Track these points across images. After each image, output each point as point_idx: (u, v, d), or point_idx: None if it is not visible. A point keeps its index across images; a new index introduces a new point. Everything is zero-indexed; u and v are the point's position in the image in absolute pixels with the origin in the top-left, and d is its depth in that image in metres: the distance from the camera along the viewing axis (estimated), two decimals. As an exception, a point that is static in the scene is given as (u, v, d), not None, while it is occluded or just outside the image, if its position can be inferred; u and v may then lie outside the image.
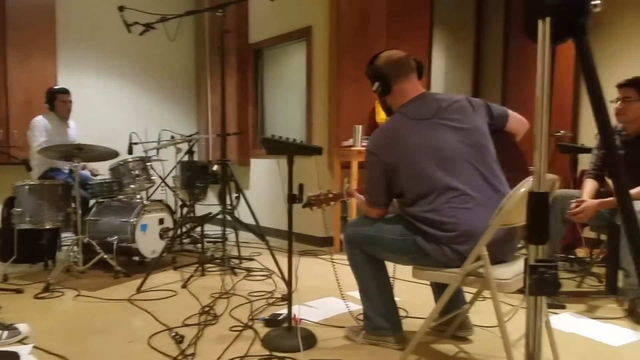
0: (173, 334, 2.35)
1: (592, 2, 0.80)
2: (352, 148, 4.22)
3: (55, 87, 4.22)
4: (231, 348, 2.21)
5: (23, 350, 2.11)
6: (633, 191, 2.64)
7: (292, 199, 2.19)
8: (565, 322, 2.52)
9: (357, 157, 4.15)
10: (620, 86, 2.83)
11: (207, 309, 2.74)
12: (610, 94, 2.87)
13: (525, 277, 0.86)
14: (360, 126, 4.24)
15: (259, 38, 5.39)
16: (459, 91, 5.50)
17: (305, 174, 4.68)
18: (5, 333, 2.28)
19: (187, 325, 2.51)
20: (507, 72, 5.26)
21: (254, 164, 5.58)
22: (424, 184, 1.95)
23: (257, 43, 5.44)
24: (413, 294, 2.97)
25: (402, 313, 2.63)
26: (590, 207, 2.70)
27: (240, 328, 2.45)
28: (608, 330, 2.40)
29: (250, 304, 2.84)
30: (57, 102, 4.13)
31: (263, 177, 5.44)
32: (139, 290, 3.15)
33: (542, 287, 0.83)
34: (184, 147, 4.46)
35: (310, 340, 2.24)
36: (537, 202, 0.84)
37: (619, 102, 2.81)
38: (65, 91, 4.17)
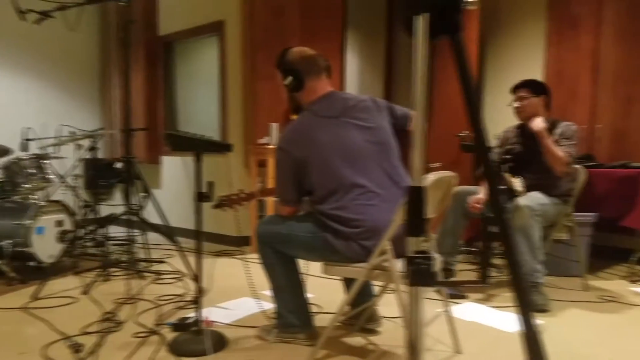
0: (70, 343, 2.20)
1: (466, 0, 0.85)
2: (268, 146, 4.20)
3: None
4: (135, 355, 2.11)
5: None
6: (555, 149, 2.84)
7: (200, 197, 2.13)
8: (466, 311, 2.68)
9: (273, 155, 4.12)
10: (516, 88, 3.06)
11: (109, 315, 2.60)
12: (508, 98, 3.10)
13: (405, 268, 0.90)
14: (276, 124, 4.22)
15: (169, 30, 5.19)
16: (372, 92, 5.65)
17: (219, 172, 4.59)
18: None
19: (87, 333, 2.36)
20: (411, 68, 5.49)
21: (164, 161, 5.38)
22: (332, 181, 1.99)
23: (167, 35, 5.23)
24: (327, 290, 3.01)
25: (315, 309, 2.67)
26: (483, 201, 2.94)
27: (145, 334, 2.34)
28: (505, 318, 2.58)
29: (158, 309, 2.73)
30: None
31: (175, 176, 5.26)
32: (34, 298, 2.92)
33: (419, 278, 0.88)
34: (86, 143, 4.19)
35: (220, 343, 2.20)
36: (414, 196, 0.88)
37: (517, 102, 3.04)
38: None
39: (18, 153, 3.71)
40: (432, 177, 1.85)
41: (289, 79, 2.11)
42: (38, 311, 2.70)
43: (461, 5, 0.83)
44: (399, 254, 1.93)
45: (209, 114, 4.94)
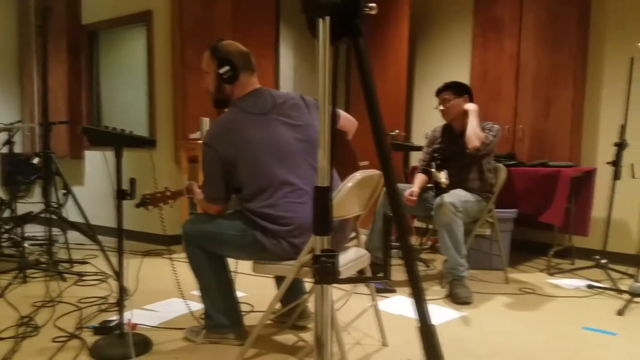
0: (-19, 351, 2.06)
1: (367, 5, 0.86)
2: (200, 141, 4.10)
3: None
4: (53, 361, 2.00)
5: None
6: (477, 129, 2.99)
7: (120, 195, 2.03)
8: (395, 305, 2.76)
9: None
10: (439, 91, 3.18)
11: (26, 319, 2.45)
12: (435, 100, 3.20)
13: (312, 267, 0.92)
14: (207, 119, 4.12)
15: (94, 19, 4.93)
16: (305, 88, 5.67)
17: (149, 168, 4.44)
18: None
19: (1, 338, 2.22)
20: (351, 71, 5.56)
21: (88, 157, 5.12)
22: (262, 179, 1.97)
23: (91, 25, 4.97)
24: (259, 288, 2.99)
25: (247, 308, 2.65)
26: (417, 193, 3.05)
27: (64, 338, 2.23)
28: (431, 311, 2.67)
29: (79, 312, 2.61)
30: None
31: (98, 172, 5.02)
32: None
33: (324, 275, 0.89)
34: (3, 137, 3.91)
35: (144, 346, 2.12)
36: (321, 196, 0.89)
37: (441, 105, 3.16)
38: None
39: None
40: (359, 175, 1.88)
41: (226, 68, 2.05)
42: (-56, 318, 2.50)
43: (362, 10, 0.85)
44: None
45: (137, 108, 4.75)
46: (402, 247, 0.90)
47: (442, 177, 3.04)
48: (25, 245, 3.70)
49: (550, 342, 2.26)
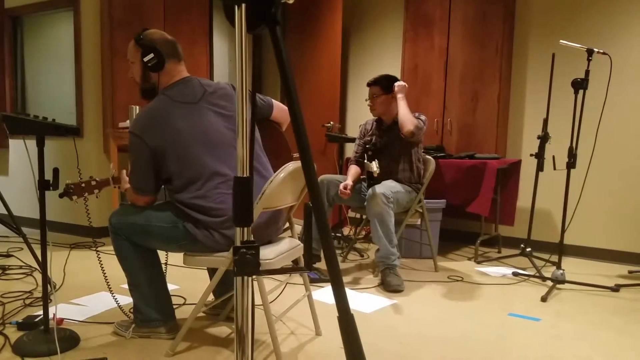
0: None
1: None
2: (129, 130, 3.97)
3: None
4: (-30, 361, 1.91)
5: None
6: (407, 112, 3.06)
7: (43, 185, 1.95)
8: (329, 295, 2.82)
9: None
10: (368, 85, 3.24)
11: (-60, 318, 2.31)
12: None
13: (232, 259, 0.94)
14: (137, 107, 4.00)
15: (17, 3, 4.65)
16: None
17: (76, 157, 4.26)
18: None
19: None
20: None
21: (13, 146, 4.84)
22: (193, 170, 1.94)
23: (14, 9, 4.68)
24: (192, 281, 2.97)
25: (179, 301, 2.62)
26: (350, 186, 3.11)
27: (-16, 336, 2.13)
28: (364, 299, 2.75)
29: (2, 307, 2.48)
30: None
31: (23, 161, 4.77)
32: None
33: (244, 267, 0.91)
34: None
35: (70, 342, 2.06)
36: (241, 187, 0.91)
37: (369, 100, 3.23)
38: None
39: None
40: (291, 166, 1.90)
41: (150, 56, 2.01)
42: None
43: None
44: (262, 241, 1.97)
45: (64, 95, 4.54)
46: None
47: (374, 166, 3.12)
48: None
49: (477, 328, 2.38)
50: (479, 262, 3.70)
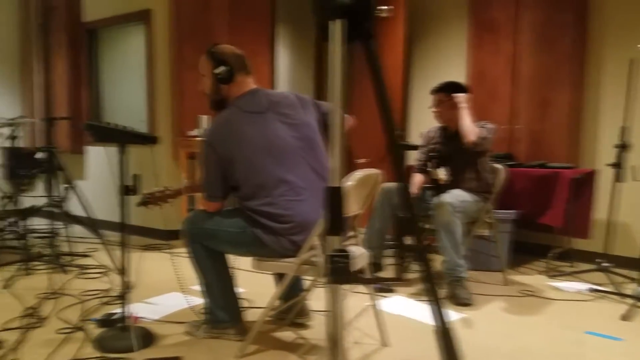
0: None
1: (379, 8, 0.89)
2: (198, 138, 4.13)
3: None
4: (58, 352, 2.04)
5: None
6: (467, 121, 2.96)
7: (125, 191, 2.07)
8: (393, 305, 2.78)
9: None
10: (432, 92, 3.18)
11: (31, 310, 2.49)
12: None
13: (325, 266, 0.94)
14: (205, 116, 4.15)
15: (94, 17, 4.96)
16: (302, 87, 5.68)
17: (148, 164, 4.46)
18: None
19: (7, 329, 2.26)
20: (348, 70, 5.56)
21: (89, 152, 5.16)
22: (259, 177, 2.00)
23: (91, 22, 4.99)
24: (257, 285, 3.03)
25: (246, 304, 2.68)
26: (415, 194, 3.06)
27: (68, 330, 2.27)
28: (430, 311, 2.68)
29: (82, 304, 2.64)
30: None
31: (100, 167, 5.06)
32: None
33: (337, 275, 0.92)
34: (5, 131, 3.95)
35: (146, 339, 2.16)
36: (333, 196, 0.92)
37: (434, 107, 3.16)
38: None
39: None
40: (359, 174, 1.91)
41: (222, 68, 2.09)
42: (-50, 308, 2.55)
43: (373, 13, 0.87)
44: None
45: (136, 105, 4.78)
46: (416, 249, 0.93)
47: (442, 174, 3.05)
48: (29, 238, 3.74)
49: (551, 346, 2.28)
50: (551, 277, 3.54)
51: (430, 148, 3.28)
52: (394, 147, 0.87)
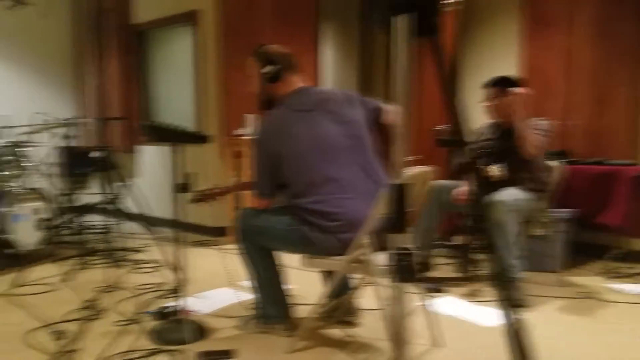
0: (52, 330, 2.20)
1: (443, 3, 0.87)
2: (244, 137, 4.18)
3: None
4: (116, 343, 2.11)
5: None
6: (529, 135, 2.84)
7: (178, 188, 2.13)
8: (445, 305, 2.72)
9: (248, 147, 4.10)
10: (486, 86, 3.09)
11: (89, 303, 2.59)
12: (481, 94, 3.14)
13: (388, 265, 0.92)
14: (251, 115, 4.20)
15: (143, 19, 5.10)
16: (347, 85, 5.65)
17: (195, 163, 4.56)
18: None
19: (68, 320, 2.36)
20: (392, 67, 5.50)
21: (140, 151, 5.32)
22: (308, 175, 2.01)
23: (140, 24, 5.14)
24: (304, 282, 3.03)
25: (292, 301, 2.69)
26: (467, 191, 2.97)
27: (125, 322, 2.35)
28: (483, 312, 2.62)
29: (136, 298, 2.73)
30: None
31: (150, 165, 5.20)
32: (14, 285, 2.90)
33: (402, 273, 0.90)
34: (61, 131, 4.13)
35: (199, 332, 2.21)
36: (396, 194, 0.90)
37: (487, 101, 3.07)
38: None
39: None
40: (409, 171, 1.87)
41: (270, 67, 2.10)
42: (17, 298, 2.69)
43: (439, 8, 0.85)
44: (377, 247, 1.96)
45: (184, 104, 4.89)
46: (489, 252, 0.90)
47: (495, 170, 2.96)
48: (85, 233, 3.90)
49: (607, 350, 2.18)
50: (609, 278, 3.38)
51: (481, 144, 3.19)
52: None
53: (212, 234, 4.49)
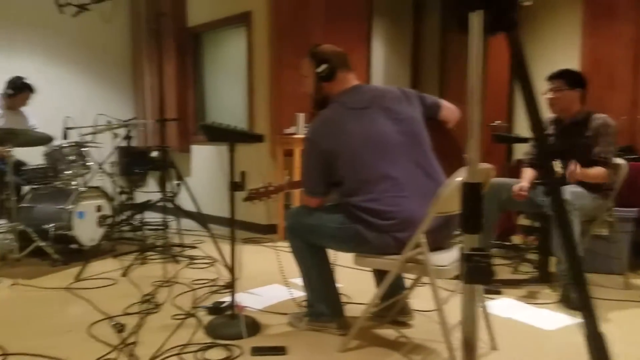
0: (113, 322, 2.30)
1: None
2: (295, 136, 4.21)
3: (28, 82, 3.97)
4: (173, 336, 2.18)
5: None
6: (588, 172, 2.78)
7: (234, 187, 2.17)
8: (502, 307, 2.63)
9: (299, 145, 4.13)
10: (551, 78, 2.96)
11: (148, 297, 2.69)
12: (543, 86, 3.02)
13: (461, 266, 0.89)
14: (302, 114, 4.22)
15: (198, 22, 5.24)
16: (398, 81, 5.58)
17: (247, 161, 4.63)
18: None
19: (128, 314, 2.46)
20: (445, 62, 5.39)
21: (194, 150, 5.46)
22: (363, 173, 1.98)
23: (195, 27, 5.29)
24: (355, 281, 3.02)
25: (343, 299, 2.68)
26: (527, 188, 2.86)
27: (182, 316, 2.42)
28: (542, 315, 2.52)
29: (192, 293, 2.80)
30: (21, 95, 3.97)
31: (204, 164, 5.34)
32: (77, 279, 3.05)
33: (476, 275, 0.87)
34: (121, 132, 4.31)
35: (253, 327, 2.25)
36: (471, 192, 0.87)
37: (550, 93, 2.95)
38: (34, 91, 4.06)
39: (59, 141, 3.84)
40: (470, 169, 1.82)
41: (323, 66, 2.10)
42: (80, 291, 2.83)
43: (517, 2, 0.82)
44: (433, 246, 1.91)
45: (236, 103, 4.98)
46: (569, 254, 0.86)
47: (557, 167, 2.84)
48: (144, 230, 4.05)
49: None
50: (680, 282, 3.17)
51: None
52: (541, 143, 0.81)
53: (262, 232, 4.55)
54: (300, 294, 2.59)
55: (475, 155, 0.89)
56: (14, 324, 2.34)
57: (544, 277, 3.10)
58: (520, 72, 0.81)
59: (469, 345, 0.89)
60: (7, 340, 2.11)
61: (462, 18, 0.85)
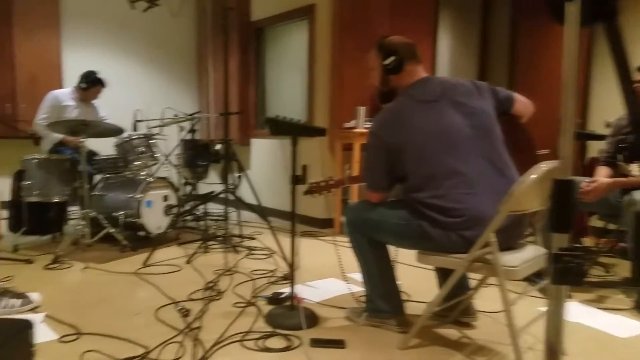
0: (179, 307, 2.38)
1: None
2: (354, 130, 4.18)
3: (101, 77, 4.17)
4: (235, 323, 2.22)
5: (35, 319, 2.11)
6: None
7: (295, 180, 2.18)
8: (571, 311, 2.51)
9: (359, 139, 4.10)
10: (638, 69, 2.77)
11: (211, 284, 2.76)
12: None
13: (549, 266, 0.84)
14: (362, 108, 4.17)
15: (261, 16, 5.31)
16: (465, 74, 5.43)
17: (306, 155, 4.66)
18: (19, 301, 2.33)
19: (192, 299, 2.54)
20: (515, 54, 5.18)
21: (254, 144, 5.56)
22: (430, 168, 1.92)
23: (258, 21, 5.36)
24: (414, 278, 2.97)
25: (403, 297, 2.64)
26: (602, 185, 2.65)
27: (243, 304, 2.47)
28: (614, 321, 2.38)
29: (252, 282, 2.85)
30: (94, 89, 4.14)
31: (263, 158, 5.42)
32: (145, 264, 3.18)
33: (567, 276, 0.82)
34: (186, 125, 4.44)
35: (312, 319, 2.26)
36: (562, 190, 0.82)
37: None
38: (105, 85, 4.22)
39: (129, 133, 4.01)
40: (544, 166, 1.74)
41: (391, 58, 2.05)
42: (148, 276, 2.95)
43: None
44: (503, 246, 1.83)
45: (296, 97, 5.01)
46: (625, 256, 0.80)
47: (635, 169, 2.66)
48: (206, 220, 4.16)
49: None
50: None
51: (620, 139, 2.88)
52: (595, 137, 0.75)
53: (319, 226, 4.57)
54: (358, 289, 2.58)
55: (568, 151, 0.83)
56: (86, 305, 2.46)
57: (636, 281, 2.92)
58: (619, 65, 0.75)
59: (553, 351, 0.84)
60: (80, 321, 2.23)
61: (559, 8, 0.80)
